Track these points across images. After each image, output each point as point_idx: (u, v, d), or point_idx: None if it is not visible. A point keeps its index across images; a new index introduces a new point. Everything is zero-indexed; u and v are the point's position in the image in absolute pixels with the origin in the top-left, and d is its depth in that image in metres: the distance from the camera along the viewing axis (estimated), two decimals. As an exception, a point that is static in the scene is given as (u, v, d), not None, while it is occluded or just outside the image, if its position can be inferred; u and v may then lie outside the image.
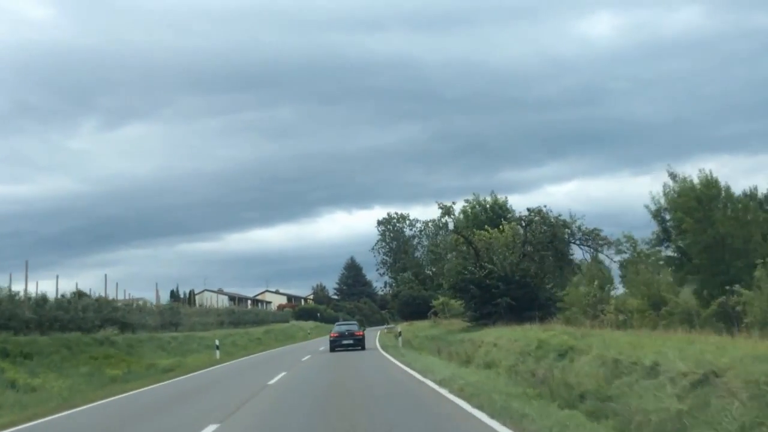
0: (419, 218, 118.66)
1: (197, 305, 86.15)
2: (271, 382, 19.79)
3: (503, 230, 34.10)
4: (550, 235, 30.60)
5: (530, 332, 20.32)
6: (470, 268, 31.17)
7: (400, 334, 40.74)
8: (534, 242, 31.18)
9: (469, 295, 32.02)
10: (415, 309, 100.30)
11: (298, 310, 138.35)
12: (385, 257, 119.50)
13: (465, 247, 34.09)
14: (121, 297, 49.97)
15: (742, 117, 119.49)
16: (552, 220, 31.00)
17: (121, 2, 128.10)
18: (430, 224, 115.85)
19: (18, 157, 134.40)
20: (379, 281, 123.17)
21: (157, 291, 54.75)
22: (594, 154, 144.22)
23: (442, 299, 65.34)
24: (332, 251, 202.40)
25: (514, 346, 19.30)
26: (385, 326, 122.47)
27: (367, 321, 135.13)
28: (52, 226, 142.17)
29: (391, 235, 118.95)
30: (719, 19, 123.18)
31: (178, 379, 26.02)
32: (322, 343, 58.29)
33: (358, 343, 40.12)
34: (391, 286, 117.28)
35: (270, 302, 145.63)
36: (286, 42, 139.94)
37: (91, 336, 34.95)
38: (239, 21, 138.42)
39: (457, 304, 68.30)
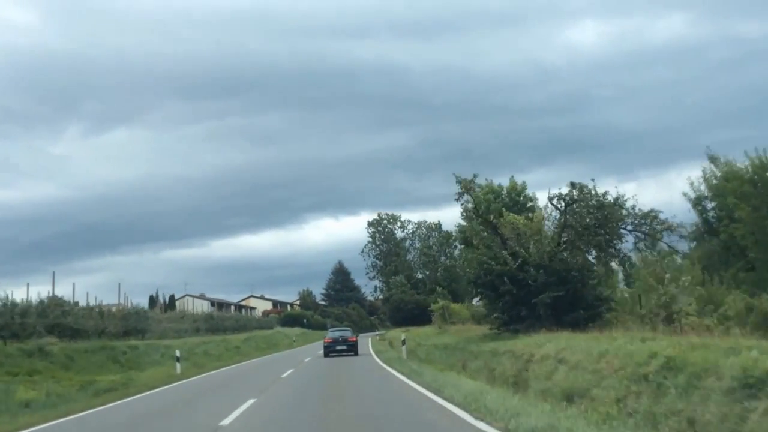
0: (411, 219, 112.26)
1: (177, 311, 79.57)
2: (226, 422, 12.54)
3: (533, 218, 26.85)
4: (599, 217, 23.48)
5: (617, 342, 13.27)
6: (500, 256, 23.92)
7: (404, 342, 33.54)
8: (577, 227, 24.11)
9: (495, 294, 24.71)
10: (407, 314, 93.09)
11: (284, 316, 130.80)
12: (375, 260, 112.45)
13: (487, 233, 26.80)
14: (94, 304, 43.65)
15: (726, 125, 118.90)
16: (600, 198, 23.90)
17: (105, 7, 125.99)
18: (422, 226, 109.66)
19: (0, 163, 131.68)
20: (368, 286, 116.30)
21: (120, 293, 47.40)
22: (580, 161, 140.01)
23: (441, 302, 58.07)
24: (319, 258, 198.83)
25: (602, 365, 12.29)
26: (376, 333, 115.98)
27: (356, 327, 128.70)
28: (35, 232, 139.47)
29: (382, 237, 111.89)
30: (703, 27, 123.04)
31: (109, 405, 18.69)
32: (309, 352, 51.00)
33: (351, 349, 40.49)
34: (381, 290, 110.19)
35: (254, 308, 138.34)
36: (273, 48, 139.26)
37: (18, 345, 27.59)
38: (226, 26, 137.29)
39: (461, 307, 61.38)
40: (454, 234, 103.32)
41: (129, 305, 49.99)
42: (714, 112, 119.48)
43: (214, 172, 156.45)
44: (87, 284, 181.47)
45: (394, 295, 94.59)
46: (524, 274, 23.54)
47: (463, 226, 42.65)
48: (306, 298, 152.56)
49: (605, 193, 24.18)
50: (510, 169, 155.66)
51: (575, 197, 24.31)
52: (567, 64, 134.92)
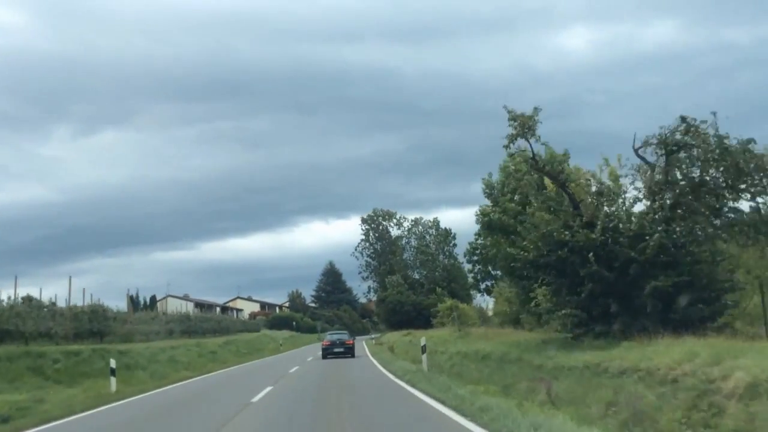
0: (407, 216, 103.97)
1: (157, 312, 71.84)
2: None
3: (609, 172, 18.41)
4: (723, 170, 15.23)
5: None
6: (574, 226, 15.43)
7: (425, 349, 25.21)
8: (685, 185, 15.97)
9: (567, 279, 16.18)
10: (404, 317, 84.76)
11: (272, 319, 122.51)
12: (368, 259, 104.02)
13: (553, 192, 18.55)
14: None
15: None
16: (723, 143, 15.65)
17: (95, 8, 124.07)
18: (419, 223, 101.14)
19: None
20: (362, 286, 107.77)
21: (70, 289, 38.65)
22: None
23: (449, 302, 49.79)
24: (310, 261, 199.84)
25: None
26: (370, 336, 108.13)
27: (348, 330, 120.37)
28: (23, 234, 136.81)
29: (376, 234, 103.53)
30: (692, 34, 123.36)
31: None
32: (297, 358, 42.78)
33: (348, 351, 41.42)
34: (375, 291, 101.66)
35: (241, 310, 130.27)
36: (262, 51, 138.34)
37: None
38: (215, 29, 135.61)
39: (470, 308, 53.14)
40: (453, 233, 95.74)
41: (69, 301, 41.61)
42: (702, 118, 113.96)
43: (203, 174, 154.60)
44: (74, 286, 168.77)
45: (390, 295, 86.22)
46: (616, 250, 15.20)
47: (485, 207, 34.37)
48: (295, 300, 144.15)
49: (725, 134, 15.99)
50: None
51: (684, 141, 16.13)
52: (557, 69, 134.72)
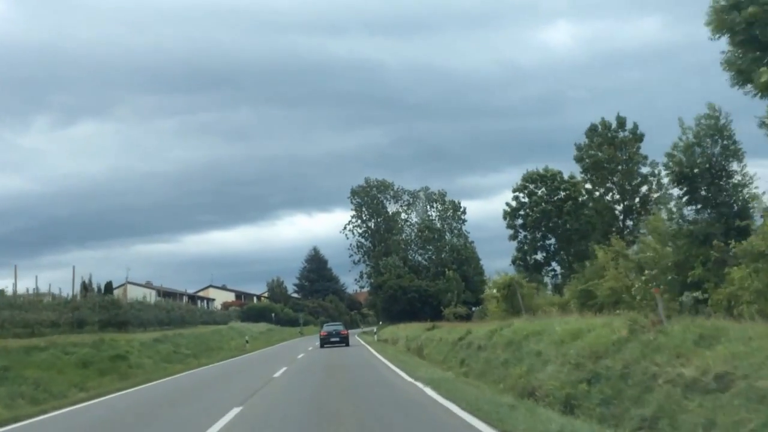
0: (405, 186, 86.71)
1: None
2: None
3: None
4: None
5: None
6: None
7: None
8: None
9: None
10: (406, 306, 67.64)
11: (247, 310, 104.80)
12: (360, 239, 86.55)
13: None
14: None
15: None
16: None
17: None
18: (422, 194, 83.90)
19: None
20: (352, 272, 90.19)
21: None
22: (554, 161, 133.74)
23: (505, 278, 32.26)
24: (293, 254, 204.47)
25: None
26: (363, 330, 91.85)
27: (325, 323, 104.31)
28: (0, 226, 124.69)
29: (370, 210, 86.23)
30: (675, 31, 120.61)
31: None
32: (255, 371, 25.40)
33: (343, 340, 44.81)
34: (369, 277, 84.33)
35: (213, 300, 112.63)
36: (245, 43, 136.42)
37: None
38: (197, 20, 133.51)
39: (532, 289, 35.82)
40: (463, 207, 78.41)
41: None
42: (685, 115, 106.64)
43: (184, 167, 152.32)
44: (53, 279, 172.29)
45: (389, 280, 68.89)
46: None
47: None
48: (275, 290, 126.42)
49: None
50: (483, 169, 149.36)
51: None
52: (541, 65, 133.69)
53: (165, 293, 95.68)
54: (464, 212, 76.75)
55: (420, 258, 77.37)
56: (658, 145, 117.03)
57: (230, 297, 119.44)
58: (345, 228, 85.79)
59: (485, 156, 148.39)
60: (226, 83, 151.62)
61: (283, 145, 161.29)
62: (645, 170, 41.90)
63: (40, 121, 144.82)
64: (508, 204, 44.35)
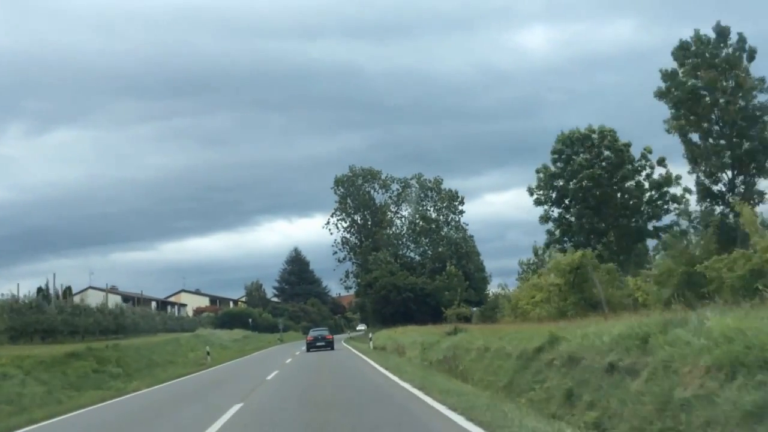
0: (394, 175, 77.26)
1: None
2: None
3: None
4: None
5: None
6: None
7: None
8: None
9: None
10: (400, 308, 58.25)
11: (222, 315, 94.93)
12: (346, 234, 76.92)
13: None
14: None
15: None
16: None
17: (48, 3, 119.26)
18: (415, 182, 73.95)
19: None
20: (338, 270, 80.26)
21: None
22: (533, 164, 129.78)
23: (557, 267, 22.70)
24: (273, 260, 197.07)
25: None
26: (350, 335, 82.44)
27: (311, 329, 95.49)
28: None
29: (355, 201, 76.67)
30: (649, 33, 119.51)
31: None
32: (218, 389, 15.61)
33: (329, 344, 46.01)
34: (356, 276, 74.64)
35: (184, 305, 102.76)
36: (222, 48, 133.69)
37: None
38: (172, 25, 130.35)
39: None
40: (461, 196, 69.20)
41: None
42: (660, 117, 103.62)
43: (162, 173, 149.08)
44: (30, 288, 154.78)
45: (381, 277, 59.42)
46: None
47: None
48: (253, 293, 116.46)
49: None
50: (464, 171, 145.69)
51: None
52: (518, 68, 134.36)
53: (131, 299, 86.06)
54: (462, 202, 67.57)
55: (413, 254, 68.11)
56: (637, 149, 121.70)
57: (204, 302, 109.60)
58: (328, 222, 76.18)
59: (465, 159, 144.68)
60: (203, 88, 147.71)
61: (261, 150, 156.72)
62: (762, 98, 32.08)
63: (14, 129, 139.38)
64: (542, 170, 34.78)
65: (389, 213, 71.70)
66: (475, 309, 58.89)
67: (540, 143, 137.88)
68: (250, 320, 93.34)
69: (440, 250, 64.18)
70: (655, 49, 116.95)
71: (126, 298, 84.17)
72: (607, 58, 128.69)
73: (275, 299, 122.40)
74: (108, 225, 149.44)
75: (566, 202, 33.64)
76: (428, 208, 67.82)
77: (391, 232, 70.68)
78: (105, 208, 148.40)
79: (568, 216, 33.92)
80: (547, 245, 35.44)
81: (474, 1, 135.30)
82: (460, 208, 67.50)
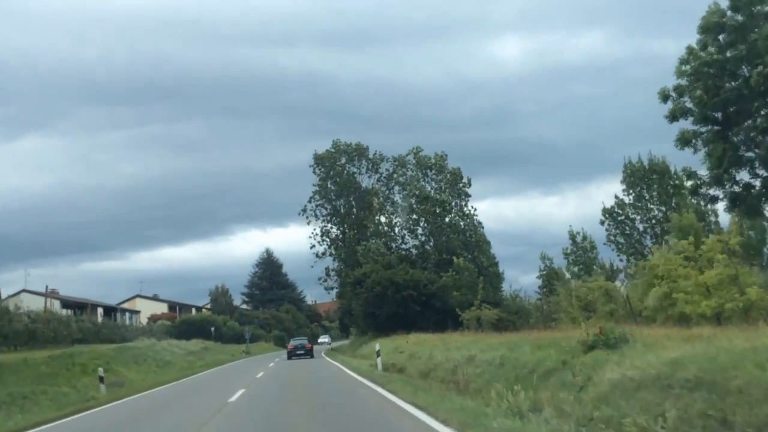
0: (386, 152, 63.32)
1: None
2: None
3: None
4: None
5: None
6: None
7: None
8: None
9: None
10: (399, 309, 44.14)
11: (179, 323, 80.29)
12: (326, 224, 62.55)
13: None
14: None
15: (643, 141, 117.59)
16: None
17: (13, 7, 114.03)
18: (410, 159, 57.97)
19: None
20: (315, 269, 65.61)
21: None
22: (506, 174, 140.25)
23: None
24: (247, 270, 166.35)
25: None
26: (330, 344, 68.50)
27: (291, 338, 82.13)
28: None
29: (338, 185, 62.57)
30: (621, 45, 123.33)
31: None
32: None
33: (308, 353, 46.86)
34: (338, 273, 60.33)
35: (138, 312, 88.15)
36: (194, 55, 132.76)
37: None
38: (144, 32, 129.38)
39: None
40: (467, 178, 55.54)
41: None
42: (630, 127, 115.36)
43: (133, 181, 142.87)
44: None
45: (373, 271, 45.31)
46: None
47: None
48: (219, 300, 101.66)
49: None
50: None
51: None
52: (491, 78, 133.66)
53: (74, 304, 71.60)
54: (469, 184, 53.70)
55: (412, 243, 53.98)
56: (609, 158, 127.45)
57: (162, 309, 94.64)
58: (305, 210, 61.71)
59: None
60: (175, 96, 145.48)
61: (235, 158, 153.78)
62: None
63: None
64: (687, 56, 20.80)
65: (381, 194, 57.48)
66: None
67: (514, 153, 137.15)
68: (212, 329, 78.92)
69: (444, 239, 50.23)
70: (625, 61, 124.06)
71: (68, 303, 69.84)
72: (579, 69, 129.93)
73: (244, 307, 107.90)
74: (78, 234, 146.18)
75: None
76: (428, 189, 53.81)
77: (384, 219, 56.60)
78: (75, 216, 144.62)
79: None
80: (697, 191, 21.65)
81: (448, 11, 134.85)
82: (467, 191, 53.66)
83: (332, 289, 62.41)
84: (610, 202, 42.60)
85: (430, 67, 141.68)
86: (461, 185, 53.68)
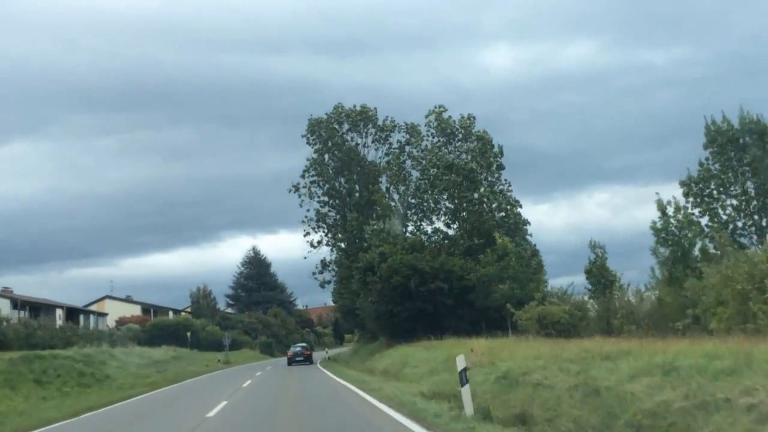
0: (398, 119, 51.52)
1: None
2: None
3: None
4: None
5: None
6: None
7: None
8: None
9: None
10: (428, 305, 32.11)
11: (150, 327, 68.02)
12: (320, 205, 50.42)
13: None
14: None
15: (633, 149, 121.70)
16: None
17: (2, 12, 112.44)
18: (431, 118, 46.00)
19: None
20: (310, 258, 53.06)
21: None
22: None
23: None
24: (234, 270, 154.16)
25: None
26: (327, 354, 56.82)
27: (282, 346, 71.65)
28: None
29: (338, 158, 50.67)
30: (611, 54, 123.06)
31: None
32: None
33: (307, 359, 47.33)
34: (338, 264, 48.15)
35: (105, 314, 75.85)
36: (184, 61, 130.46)
37: None
38: (133, 37, 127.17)
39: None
40: (499, 146, 43.90)
41: None
42: (621, 136, 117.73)
43: (123, 187, 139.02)
44: None
45: (389, 258, 33.04)
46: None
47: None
48: (201, 302, 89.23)
49: None
50: None
51: None
52: (481, 86, 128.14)
53: (29, 304, 59.76)
54: (501, 154, 41.72)
55: (428, 228, 41.86)
56: (600, 167, 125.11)
57: (135, 311, 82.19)
58: (297, 187, 49.45)
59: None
60: (165, 102, 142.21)
61: (225, 165, 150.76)
62: None
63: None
64: None
65: (392, 167, 45.32)
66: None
67: (505, 161, 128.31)
68: (188, 334, 66.55)
69: (475, 221, 38.18)
70: (615, 70, 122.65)
71: (23, 303, 57.78)
72: (570, 78, 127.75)
73: (229, 310, 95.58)
74: (67, 240, 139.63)
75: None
76: (451, 159, 41.77)
77: (390, 199, 44.49)
78: (63, 222, 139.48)
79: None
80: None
81: (438, 18, 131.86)
82: (500, 161, 41.66)
83: (328, 283, 50.11)
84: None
85: (421, 75, 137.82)
86: (491, 156, 41.71)
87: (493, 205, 40.48)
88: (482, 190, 40.78)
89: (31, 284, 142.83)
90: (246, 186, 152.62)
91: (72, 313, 67.00)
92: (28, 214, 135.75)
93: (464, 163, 39.95)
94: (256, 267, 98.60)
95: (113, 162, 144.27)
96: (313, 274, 50.44)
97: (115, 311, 77.56)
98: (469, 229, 38.86)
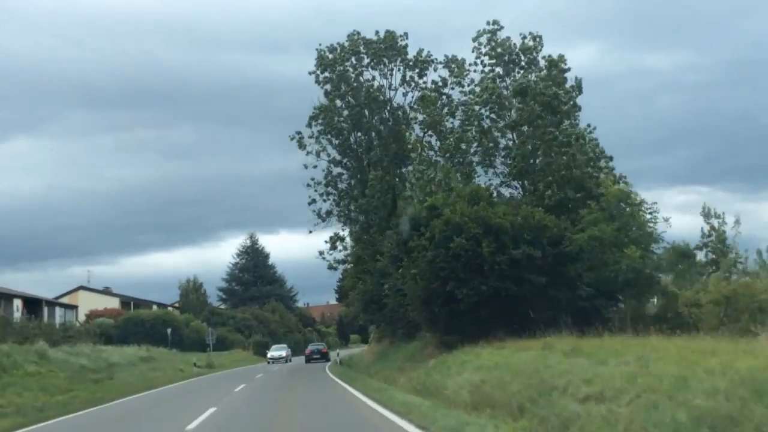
0: (431, 50, 39.25)
1: None
2: None
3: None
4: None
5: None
6: None
7: None
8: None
9: None
10: (505, 287, 19.74)
11: (122, 323, 56.10)
12: (330, 164, 38.27)
13: None
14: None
15: (636, 154, 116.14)
16: None
17: (2, 9, 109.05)
18: (481, 39, 33.44)
19: None
20: (316, 232, 40.72)
21: None
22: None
23: None
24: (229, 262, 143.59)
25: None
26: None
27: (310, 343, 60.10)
28: None
29: (352, 103, 38.71)
30: (613, 58, 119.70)
31: None
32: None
33: (324, 357, 50.38)
34: (355, 240, 35.91)
35: (75, 307, 63.99)
36: (185, 59, 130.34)
37: None
38: (134, 35, 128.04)
39: None
40: (578, 78, 31.53)
41: None
42: (624, 142, 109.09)
43: (123, 185, 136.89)
44: None
45: (449, 210, 20.45)
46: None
47: None
48: (190, 296, 77.12)
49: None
50: None
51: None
52: None
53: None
54: (579, 90, 29.32)
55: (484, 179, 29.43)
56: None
57: (113, 304, 70.04)
58: (300, 136, 37.29)
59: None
60: (166, 100, 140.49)
61: (225, 164, 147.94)
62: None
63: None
64: None
65: (428, 112, 33.06)
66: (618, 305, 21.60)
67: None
68: (168, 331, 54.64)
69: (563, 167, 25.80)
70: (618, 74, 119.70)
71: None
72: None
73: (222, 302, 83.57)
74: (67, 238, 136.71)
75: None
76: (510, 91, 29.51)
77: (423, 146, 32.28)
78: (63, 220, 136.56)
79: None
80: None
81: (441, 20, 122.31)
82: (574, 94, 29.34)
83: (342, 263, 37.77)
84: None
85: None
86: (558, 75, 29.15)
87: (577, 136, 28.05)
88: (568, 123, 28.42)
89: (30, 282, 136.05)
90: (246, 185, 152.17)
91: (33, 304, 54.83)
92: (28, 211, 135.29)
93: (545, 87, 27.55)
94: (253, 258, 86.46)
95: (114, 160, 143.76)
96: (321, 253, 38.13)
97: (88, 304, 65.70)
98: (545, 172, 26.66)
